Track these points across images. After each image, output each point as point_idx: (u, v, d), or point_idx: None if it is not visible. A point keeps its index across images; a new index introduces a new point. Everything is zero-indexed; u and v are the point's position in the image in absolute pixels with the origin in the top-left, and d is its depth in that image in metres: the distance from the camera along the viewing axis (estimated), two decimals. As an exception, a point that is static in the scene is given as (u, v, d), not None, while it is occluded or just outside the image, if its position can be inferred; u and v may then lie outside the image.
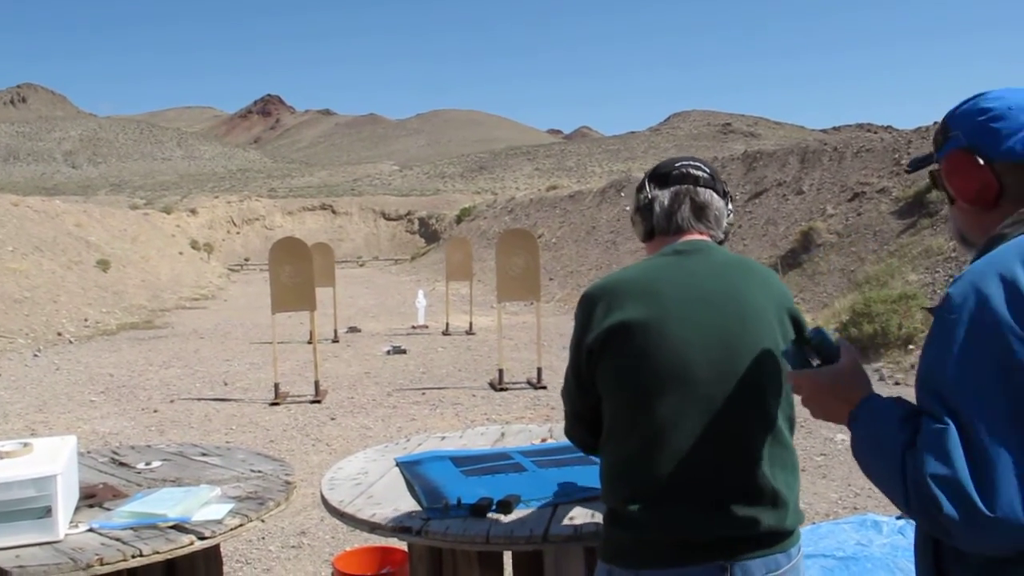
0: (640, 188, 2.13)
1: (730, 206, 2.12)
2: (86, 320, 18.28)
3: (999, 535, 1.24)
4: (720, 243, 2.08)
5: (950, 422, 1.28)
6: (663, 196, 2.05)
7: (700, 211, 2.04)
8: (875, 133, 23.15)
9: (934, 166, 1.64)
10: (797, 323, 1.97)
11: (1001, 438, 1.25)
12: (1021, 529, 1.23)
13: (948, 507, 1.25)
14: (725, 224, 2.09)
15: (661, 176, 2.09)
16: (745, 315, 1.89)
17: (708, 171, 2.08)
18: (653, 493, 1.83)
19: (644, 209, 2.09)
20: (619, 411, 1.91)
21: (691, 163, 2.08)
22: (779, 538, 1.86)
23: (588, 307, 1.95)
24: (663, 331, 1.85)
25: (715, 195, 2.07)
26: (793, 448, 1.93)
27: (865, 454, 1.42)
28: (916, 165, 1.71)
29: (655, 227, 2.07)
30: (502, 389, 9.95)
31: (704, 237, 2.04)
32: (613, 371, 1.90)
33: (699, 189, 2.05)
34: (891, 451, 1.35)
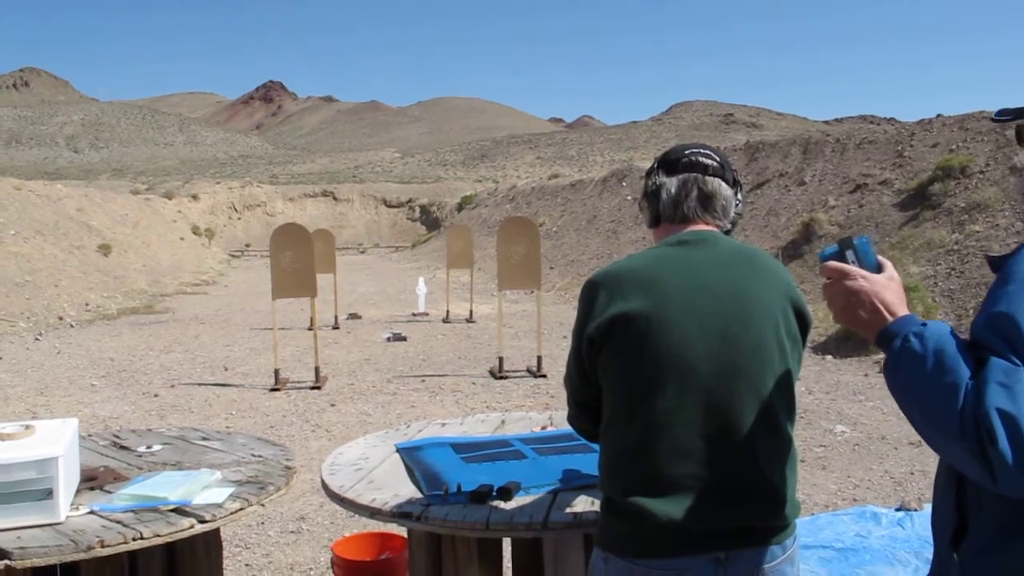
0: (649, 173, 2.11)
1: (739, 195, 2.10)
2: (87, 304, 18.29)
3: None
4: (727, 232, 2.07)
5: (1022, 364, 1.26)
6: (670, 184, 2.04)
7: (707, 200, 2.02)
8: (878, 125, 23.11)
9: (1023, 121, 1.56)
10: (801, 314, 1.97)
11: None
12: None
13: (1004, 442, 1.22)
14: (733, 214, 2.07)
15: (670, 163, 2.07)
16: (747, 307, 1.89)
17: (718, 159, 2.05)
18: (651, 484, 1.83)
19: (651, 195, 2.07)
20: (619, 401, 1.91)
21: (701, 151, 2.06)
22: (775, 530, 1.87)
23: (591, 295, 1.95)
24: (664, 323, 1.85)
25: (723, 184, 2.05)
26: (792, 440, 1.93)
27: (916, 372, 1.36)
28: (1005, 115, 1.58)
29: (661, 214, 2.06)
30: (502, 377, 9.96)
31: (710, 227, 2.03)
32: (614, 361, 1.90)
33: (707, 178, 2.03)
34: (955, 374, 1.31)
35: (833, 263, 1.54)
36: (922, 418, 1.35)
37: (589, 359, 1.95)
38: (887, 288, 1.49)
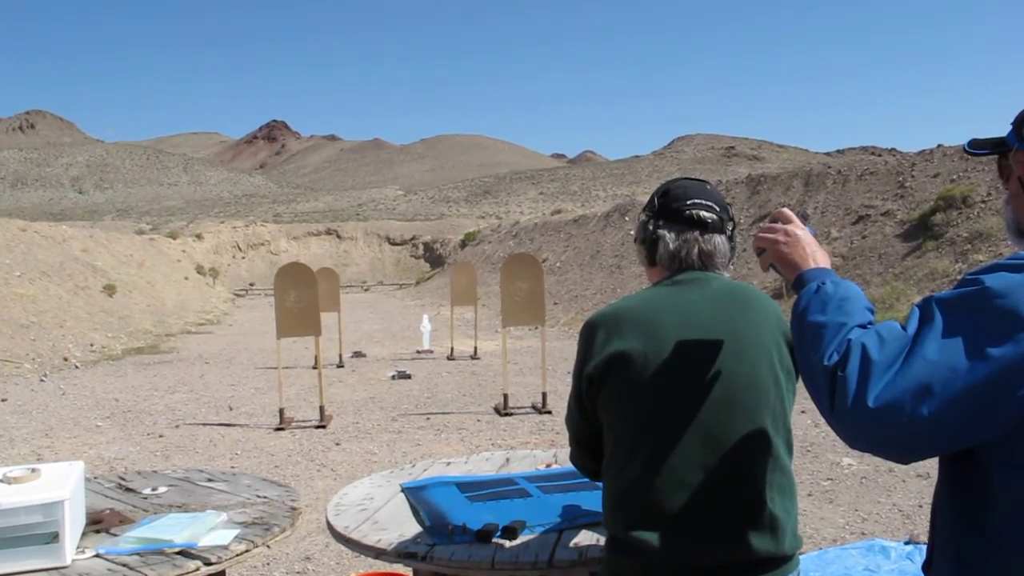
0: (647, 218, 2.09)
1: (733, 240, 2.09)
2: (92, 345, 18.32)
3: (869, 424, 1.27)
4: None
5: (911, 327, 1.32)
6: (669, 238, 2.02)
7: (707, 258, 2.02)
8: (879, 156, 23.19)
9: (1008, 151, 1.54)
10: (793, 347, 1.98)
11: (941, 361, 1.27)
12: (890, 421, 1.26)
13: (852, 371, 1.30)
14: (728, 259, 2.08)
15: (670, 212, 2.04)
16: (740, 342, 1.91)
17: (718, 210, 2.04)
18: (653, 520, 1.84)
19: (648, 243, 2.07)
20: (619, 439, 1.93)
21: (702, 203, 2.03)
22: (777, 563, 1.88)
23: (589, 336, 1.98)
24: (660, 361, 1.88)
25: (723, 239, 2.04)
26: (791, 473, 1.94)
27: (819, 309, 1.45)
28: (981, 147, 1.59)
29: (658, 262, 2.06)
30: (507, 414, 9.94)
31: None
32: (613, 400, 1.93)
33: (707, 236, 2.02)
34: (850, 316, 1.42)
35: (788, 210, 1.76)
36: (808, 343, 1.42)
37: (589, 398, 1.98)
38: (821, 249, 1.66)
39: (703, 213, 2.02)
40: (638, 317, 1.93)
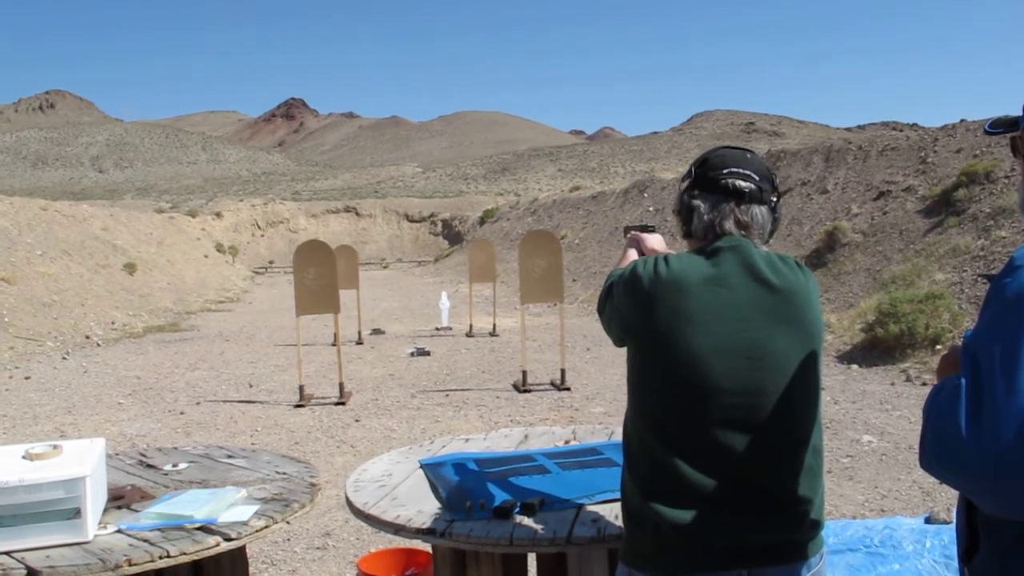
0: (685, 187, 2.05)
1: (776, 211, 2.02)
2: (113, 323, 18.45)
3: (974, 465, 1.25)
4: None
5: (963, 379, 1.30)
6: (705, 208, 1.97)
7: (743, 229, 1.96)
8: (900, 131, 22.94)
9: (1017, 133, 1.54)
10: (820, 321, 1.98)
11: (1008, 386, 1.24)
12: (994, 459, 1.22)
13: (925, 426, 1.33)
14: (767, 231, 2.01)
15: (707, 181, 1.99)
16: (773, 324, 1.88)
17: (756, 179, 1.97)
18: (673, 493, 1.83)
19: (685, 212, 2.03)
20: (644, 403, 1.92)
21: (740, 172, 1.96)
22: (800, 546, 1.86)
23: (629, 291, 1.94)
24: (689, 339, 1.85)
25: (761, 209, 1.97)
26: (822, 452, 1.92)
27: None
28: (998, 126, 1.57)
29: (693, 233, 2.01)
30: (526, 391, 9.95)
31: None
32: (639, 364, 1.93)
33: (744, 206, 1.96)
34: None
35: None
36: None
37: (619, 339, 2.03)
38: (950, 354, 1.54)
39: (740, 183, 1.96)
40: (674, 287, 1.88)
